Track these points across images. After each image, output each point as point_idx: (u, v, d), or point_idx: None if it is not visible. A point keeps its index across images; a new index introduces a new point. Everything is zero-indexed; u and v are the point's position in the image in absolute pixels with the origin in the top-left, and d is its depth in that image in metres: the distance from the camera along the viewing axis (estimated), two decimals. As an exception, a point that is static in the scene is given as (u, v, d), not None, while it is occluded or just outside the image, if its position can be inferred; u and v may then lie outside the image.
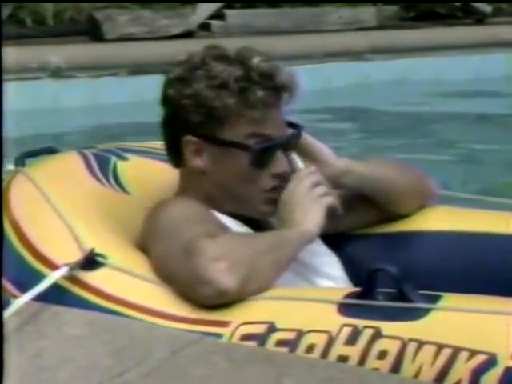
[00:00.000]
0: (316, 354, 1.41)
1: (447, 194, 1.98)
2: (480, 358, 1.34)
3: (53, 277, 1.54)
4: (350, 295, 1.46)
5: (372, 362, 1.38)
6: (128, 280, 1.55)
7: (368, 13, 6.76)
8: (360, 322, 1.41)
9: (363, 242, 1.86)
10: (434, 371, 1.36)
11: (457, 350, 1.36)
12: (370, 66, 5.96)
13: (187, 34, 5.98)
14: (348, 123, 5.26)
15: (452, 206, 1.92)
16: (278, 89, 1.61)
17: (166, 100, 1.65)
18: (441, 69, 6.04)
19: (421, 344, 1.37)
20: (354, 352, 1.39)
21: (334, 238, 1.79)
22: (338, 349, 1.40)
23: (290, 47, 5.71)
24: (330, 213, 1.63)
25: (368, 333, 1.39)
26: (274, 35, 6.09)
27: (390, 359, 1.38)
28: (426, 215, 1.86)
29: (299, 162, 1.72)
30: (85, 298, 1.55)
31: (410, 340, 1.37)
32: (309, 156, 1.73)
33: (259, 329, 1.45)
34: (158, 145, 1.84)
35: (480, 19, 7.12)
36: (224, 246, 1.48)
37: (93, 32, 5.89)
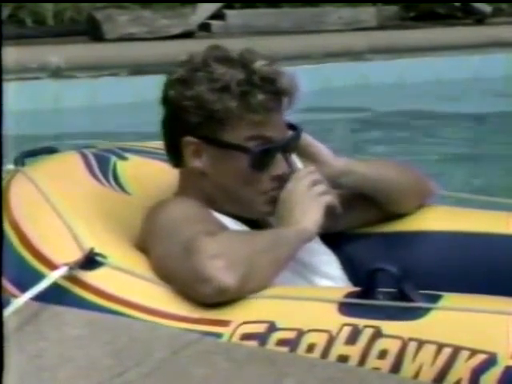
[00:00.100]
0: (316, 353, 1.41)
1: (447, 194, 1.98)
2: (480, 358, 1.34)
3: (52, 276, 1.54)
4: (351, 295, 1.46)
5: (372, 361, 1.39)
6: (128, 279, 1.55)
7: (368, 13, 6.76)
8: (360, 322, 1.41)
9: (363, 242, 1.86)
10: (434, 371, 1.36)
11: (457, 350, 1.36)
12: (370, 66, 5.96)
13: (187, 34, 5.98)
14: (348, 123, 5.26)
15: (452, 206, 1.92)
16: (279, 93, 1.61)
17: (167, 101, 1.65)
18: (441, 69, 6.04)
19: (421, 343, 1.37)
20: (355, 351, 1.39)
21: (333, 238, 1.80)
22: (339, 348, 1.40)
23: (289, 47, 5.71)
24: (329, 211, 1.63)
25: (368, 332, 1.39)
26: (273, 35, 6.09)
27: (390, 359, 1.38)
28: (426, 215, 1.86)
29: (298, 163, 1.73)
30: (84, 298, 1.55)
31: (411, 339, 1.38)
32: (308, 156, 1.73)
33: (259, 328, 1.45)
34: (158, 145, 1.84)
35: (480, 19, 7.12)
36: (223, 244, 1.48)
37: (93, 32, 5.88)
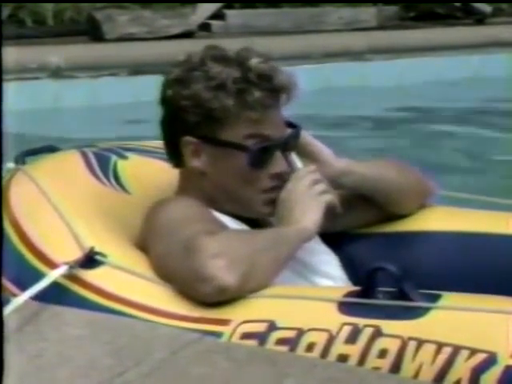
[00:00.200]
0: (316, 352, 1.41)
1: (447, 194, 1.98)
2: (480, 357, 1.34)
3: (53, 275, 1.54)
4: (351, 294, 1.46)
5: (372, 360, 1.39)
6: (128, 278, 1.56)
7: (368, 13, 6.76)
8: (360, 321, 1.41)
9: (363, 242, 1.86)
10: (434, 370, 1.36)
11: (457, 349, 1.36)
12: (370, 66, 5.96)
13: (187, 34, 5.98)
14: (348, 122, 5.26)
15: (452, 206, 1.92)
16: (276, 90, 1.61)
17: (165, 101, 1.66)
18: (440, 69, 6.04)
19: (421, 343, 1.37)
20: (354, 351, 1.39)
21: (333, 238, 1.79)
22: (339, 347, 1.40)
23: (289, 47, 5.71)
24: (329, 211, 1.64)
25: (368, 331, 1.40)
26: (273, 35, 6.09)
27: (390, 358, 1.38)
28: (426, 215, 1.86)
29: (298, 162, 1.72)
30: (84, 297, 1.55)
31: (410, 339, 1.38)
32: (308, 156, 1.73)
33: (260, 327, 1.45)
34: (159, 144, 1.84)
35: (480, 19, 7.12)
36: (223, 243, 1.48)
37: (93, 32, 5.88)
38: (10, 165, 1.83)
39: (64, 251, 1.60)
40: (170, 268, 1.53)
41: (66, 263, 1.55)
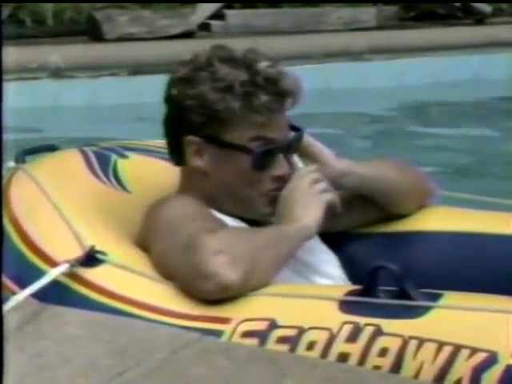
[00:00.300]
0: (317, 351, 1.42)
1: (447, 194, 1.98)
2: (481, 356, 1.35)
3: (53, 273, 1.54)
4: (352, 293, 1.46)
5: (373, 359, 1.39)
6: (128, 277, 1.56)
7: (368, 13, 6.76)
8: (361, 320, 1.41)
9: (363, 242, 1.86)
10: (435, 369, 1.36)
11: (458, 348, 1.36)
12: (370, 66, 5.96)
13: (187, 34, 5.98)
14: (347, 123, 5.26)
15: (452, 206, 1.92)
16: (282, 94, 1.61)
17: (170, 99, 1.66)
18: (440, 69, 6.04)
19: (422, 342, 1.37)
20: (355, 349, 1.40)
21: (333, 237, 1.80)
22: (339, 346, 1.41)
23: (289, 47, 5.70)
24: (330, 210, 1.64)
25: (369, 330, 1.40)
26: (273, 35, 6.09)
27: (390, 357, 1.38)
28: (426, 215, 1.86)
29: (299, 163, 1.73)
30: (85, 295, 1.55)
31: (411, 338, 1.38)
32: (309, 157, 1.73)
33: (260, 326, 1.45)
34: (159, 143, 1.84)
35: (480, 19, 7.11)
36: (225, 241, 1.48)
37: (93, 32, 5.88)
38: (10, 164, 1.84)
39: (64, 250, 1.60)
40: (172, 266, 1.53)
41: (67, 261, 1.56)
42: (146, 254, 1.61)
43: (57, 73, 5.20)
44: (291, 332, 1.43)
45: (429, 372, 1.36)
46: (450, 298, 1.44)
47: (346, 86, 5.69)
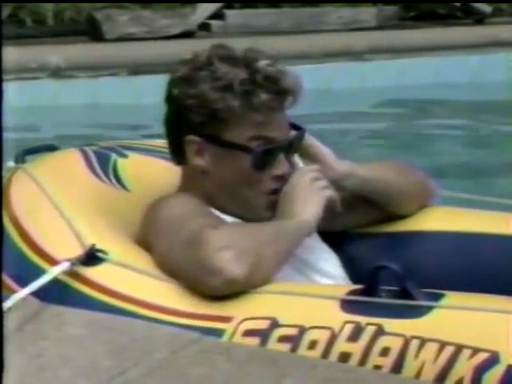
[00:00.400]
0: (318, 350, 1.42)
1: (447, 194, 1.98)
2: (482, 356, 1.35)
3: (54, 271, 1.54)
4: (353, 292, 1.46)
5: (374, 359, 1.39)
6: (129, 275, 1.56)
7: (368, 13, 6.76)
8: (363, 319, 1.41)
9: (363, 241, 1.85)
10: (437, 368, 1.36)
11: (459, 348, 1.36)
12: (370, 66, 5.96)
13: (187, 34, 5.98)
14: (347, 124, 5.26)
15: (452, 206, 1.92)
16: (282, 93, 1.61)
17: (170, 99, 1.66)
18: (441, 69, 6.04)
19: (423, 341, 1.37)
20: (357, 349, 1.40)
21: (334, 237, 1.79)
22: (341, 345, 1.41)
23: (289, 47, 5.70)
24: (329, 209, 1.63)
25: (370, 330, 1.40)
26: (273, 35, 6.09)
27: (392, 356, 1.38)
28: (427, 215, 1.86)
29: (300, 164, 1.73)
30: (86, 294, 1.55)
31: (413, 337, 1.38)
32: (310, 157, 1.73)
33: (262, 324, 1.45)
34: (159, 143, 1.84)
35: (480, 19, 7.11)
36: (228, 236, 1.49)
37: (92, 32, 5.88)
38: (9, 163, 1.84)
39: (65, 248, 1.60)
40: (176, 263, 1.53)
41: (68, 260, 1.56)
42: (147, 252, 1.61)
43: (57, 72, 5.20)
44: (293, 331, 1.43)
45: (430, 372, 1.36)
46: (452, 298, 1.44)
47: (346, 85, 5.69)
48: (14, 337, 1.43)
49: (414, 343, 1.37)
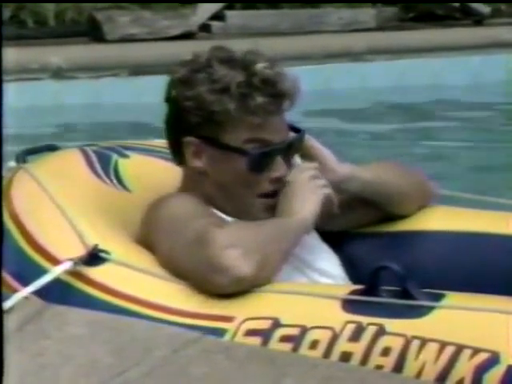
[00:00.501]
0: (320, 350, 1.42)
1: (447, 194, 1.98)
2: (483, 356, 1.35)
3: (56, 271, 1.54)
4: (354, 292, 1.47)
5: (375, 358, 1.39)
6: (131, 275, 1.56)
7: (367, 14, 6.76)
8: (364, 319, 1.41)
9: (363, 241, 1.86)
10: (437, 368, 1.37)
11: (460, 348, 1.36)
12: (370, 66, 5.96)
13: (187, 35, 5.98)
14: (347, 124, 5.26)
15: (452, 206, 1.92)
16: (279, 96, 1.61)
17: (169, 100, 1.66)
18: (440, 70, 6.04)
19: (424, 341, 1.38)
20: (358, 349, 1.40)
21: (333, 237, 1.79)
22: (342, 345, 1.41)
23: (289, 48, 5.71)
24: (327, 209, 1.63)
25: (372, 330, 1.40)
26: (273, 36, 6.10)
27: (393, 356, 1.38)
28: (427, 215, 1.86)
29: (300, 163, 1.72)
30: (89, 294, 1.55)
31: (414, 337, 1.38)
32: (312, 159, 1.72)
33: (263, 324, 1.46)
34: (160, 143, 1.85)
35: (479, 20, 7.12)
36: (234, 234, 1.49)
37: (93, 33, 5.89)
38: (11, 164, 1.84)
39: (67, 248, 1.61)
40: (181, 262, 1.53)
41: (70, 259, 1.56)
42: (149, 251, 1.61)
43: (58, 73, 5.20)
44: (294, 331, 1.44)
45: (431, 372, 1.37)
46: (453, 298, 1.44)
47: (346, 86, 5.69)
48: (16, 336, 1.44)
49: (415, 343, 1.38)
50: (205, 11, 6.36)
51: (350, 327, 1.41)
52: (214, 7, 6.41)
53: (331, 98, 5.54)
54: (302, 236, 1.61)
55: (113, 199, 1.75)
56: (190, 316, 1.49)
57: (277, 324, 1.45)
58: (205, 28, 6.33)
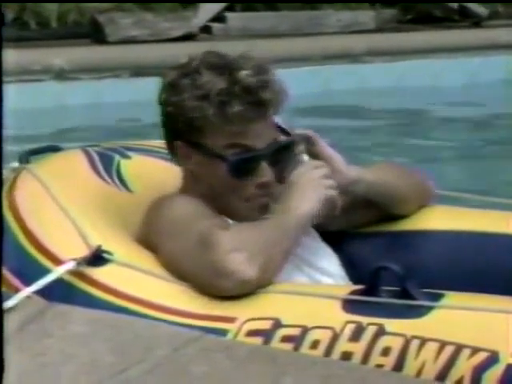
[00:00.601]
0: (320, 350, 1.42)
1: (448, 194, 1.98)
2: (482, 356, 1.35)
3: (59, 271, 1.55)
4: (354, 292, 1.47)
5: (375, 358, 1.40)
6: (134, 275, 1.56)
7: (366, 15, 6.77)
8: (364, 319, 1.42)
9: (363, 241, 1.86)
10: (437, 368, 1.37)
11: (459, 348, 1.37)
12: (369, 68, 5.96)
13: (189, 37, 5.98)
14: (347, 124, 5.26)
15: (452, 206, 1.92)
16: (259, 104, 1.60)
17: (160, 104, 1.67)
18: (439, 71, 6.04)
19: (424, 341, 1.38)
20: (358, 348, 1.40)
21: (334, 237, 1.80)
22: (342, 345, 1.41)
23: (289, 50, 5.71)
24: (328, 210, 1.63)
25: (372, 330, 1.41)
26: (273, 38, 6.10)
27: (393, 356, 1.39)
28: (427, 215, 1.86)
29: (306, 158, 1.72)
30: (92, 294, 1.56)
31: (413, 337, 1.39)
32: (320, 160, 1.72)
33: (265, 325, 1.46)
34: (161, 143, 1.85)
35: (477, 22, 7.12)
36: (238, 237, 1.50)
37: (95, 34, 5.89)
38: (14, 164, 1.84)
39: (70, 249, 1.61)
40: (185, 265, 1.54)
41: (74, 259, 1.56)
42: (150, 251, 1.62)
43: (60, 75, 5.21)
44: (295, 331, 1.44)
45: (430, 371, 1.37)
46: (452, 298, 1.45)
47: (346, 87, 5.69)
48: (18, 335, 1.44)
49: (415, 343, 1.38)
50: (206, 13, 6.37)
51: (350, 327, 1.41)
52: (214, 9, 6.42)
53: (330, 99, 5.55)
54: (301, 233, 1.61)
55: (115, 200, 1.76)
56: (192, 317, 1.49)
57: (278, 324, 1.45)
58: (206, 30, 6.33)
